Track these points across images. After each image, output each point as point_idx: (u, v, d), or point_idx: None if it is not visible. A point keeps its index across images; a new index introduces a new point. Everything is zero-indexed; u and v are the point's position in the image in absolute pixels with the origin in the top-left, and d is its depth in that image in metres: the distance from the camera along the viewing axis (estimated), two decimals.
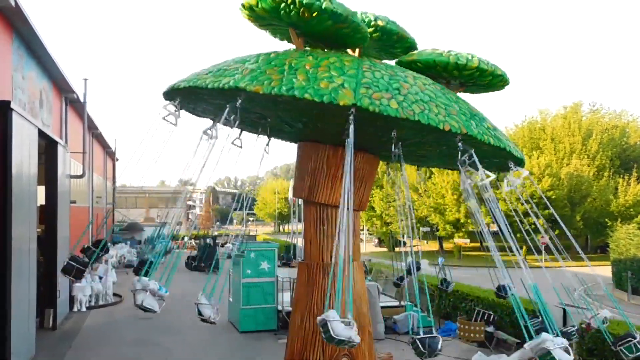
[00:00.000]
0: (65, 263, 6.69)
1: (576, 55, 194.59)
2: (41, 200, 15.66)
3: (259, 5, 6.60)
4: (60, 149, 16.33)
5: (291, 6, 6.41)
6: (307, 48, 7.25)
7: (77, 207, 21.29)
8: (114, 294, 20.94)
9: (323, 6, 6.36)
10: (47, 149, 15.95)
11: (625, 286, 25.94)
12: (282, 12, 6.53)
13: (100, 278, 20.51)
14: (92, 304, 19.67)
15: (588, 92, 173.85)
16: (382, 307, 16.26)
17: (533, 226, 8.09)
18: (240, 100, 6.22)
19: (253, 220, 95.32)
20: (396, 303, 17.48)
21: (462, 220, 42.89)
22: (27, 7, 11.64)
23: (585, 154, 46.56)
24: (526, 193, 7.96)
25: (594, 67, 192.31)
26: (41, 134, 13.99)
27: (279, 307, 16.19)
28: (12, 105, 11.14)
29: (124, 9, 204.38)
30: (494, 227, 7.58)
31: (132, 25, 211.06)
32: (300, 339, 7.61)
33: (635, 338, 7.17)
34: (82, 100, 20.11)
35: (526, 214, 9.51)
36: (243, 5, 6.79)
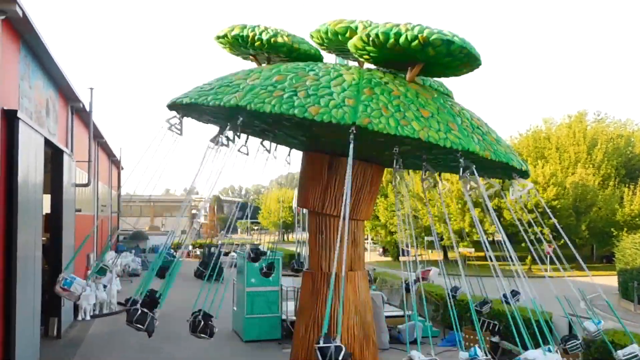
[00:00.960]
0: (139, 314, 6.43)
1: (581, 64, 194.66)
2: (46, 208, 15.71)
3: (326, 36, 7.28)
4: (66, 158, 16.42)
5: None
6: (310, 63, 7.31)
7: (82, 216, 21.35)
8: (118, 303, 20.94)
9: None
10: (53, 157, 16.04)
11: (632, 296, 25.75)
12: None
13: (105, 286, 20.52)
14: (97, 312, 19.66)
15: (593, 101, 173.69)
16: (387, 317, 16.20)
17: (537, 236, 8.07)
18: (241, 119, 6.32)
19: (258, 229, 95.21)
20: (401, 312, 17.41)
21: (466, 230, 42.74)
22: (34, 16, 11.76)
23: (591, 163, 46.37)
24: (531, 203, 7.95)
25: (598, 76, 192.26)
26: (47, 143, 14.08)
27: (283, 316, 16.15)
28: (19, 114, 11.22)
29: (130, 18, 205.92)
30: (498, 237, 7.57)
31: (138, 34, 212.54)
32: (305, 348, 7.59)
33: (639, 355, 7.14)
34: (88, 109, 20.23)
35: (531, 224, 9.51)
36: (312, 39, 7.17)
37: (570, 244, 7.24)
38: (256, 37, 7.30)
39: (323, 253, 7.64)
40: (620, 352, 7.20)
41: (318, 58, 7.92)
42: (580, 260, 7.35)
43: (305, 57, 7.68)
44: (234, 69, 7.68)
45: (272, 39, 7.31)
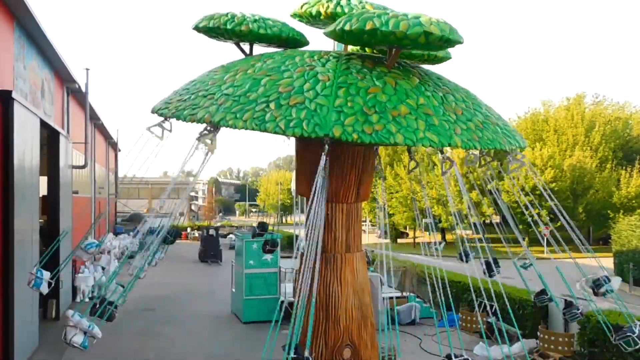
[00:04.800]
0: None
1: (579, 47, 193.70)
2: (43, 191, 15.67)
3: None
4: (62, 140, 16.32)
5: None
6: (286, 53, 7.04)
7: (80, 198, 21.31)
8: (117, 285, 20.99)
9: (257, 31, 6.87)
10: (49, 139, 15.94)
11: (627, 278, 25.95)
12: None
13: (103, 269, 20.56)
14: (95, 294, 19.73)
15: (591, 84, 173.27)
16: (385, 298, 16.28)
17: (534, 218, 8.03)
18: (217, 133, 6.31)
19: (256, 212, 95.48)
20: (398, 294, 17.51)
21: (464, 212, 42.92)
22: None
23: (588, 145, 46.40)
24: (526, 187, 7.92)
25: (597, 58, 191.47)
26: (43, 124, 13.97)
27: (282, 298, 16.23)
28: (14, 95, 11.11)
29: None
30: (496, 219, 7.55)
31: (134, 14, 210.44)
32: (303, 329, 7.60)
33: (634, 333, 7.17)
34: (84, 90, 20.08)
35: (528, 207, 9.47)
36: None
37: (570, 227, 7.20)
38: (221, 27, 7.00)
39: (328, 235, 7.60)
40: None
41: (300, 41, 7.66)
42: (584, 241, 7.31)
43: (286, 42, 7.46)
44: (231, 48, 7.56)
45: (237, 28, 6.99)
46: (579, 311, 8.18)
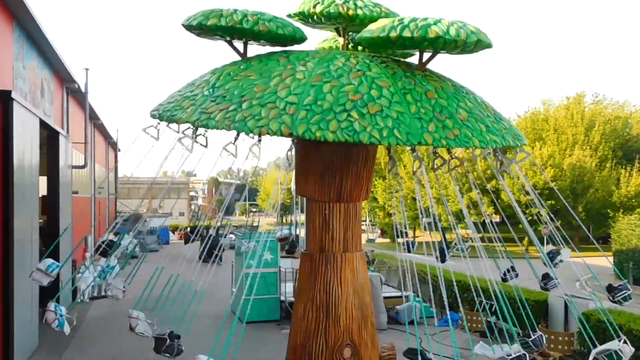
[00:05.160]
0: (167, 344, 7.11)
1: (579, 46, 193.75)
2: (43, 190, 15.66)
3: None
4: (62, 140, 16.31)
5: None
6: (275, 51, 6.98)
7: (79, 198, 21.31)
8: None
9: (276, 31, 6.47)
10: (49, 139, 15.94)
11: (627, 277, 25.99)
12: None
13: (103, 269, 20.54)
14: (95, 294, 19.70)
15: (591, 83, 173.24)
16: (385, 298, 16.30)
17: (530, 217, 8.06)
18: (205, 135, 6.34)
19: (256, 211, 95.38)
20: (399, 293, 17.52)
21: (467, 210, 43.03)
22: None
23: (588, 145, 46.42)
24: (528, 184, 7.90)
25: (597, 57, 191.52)
26: (43, 124, 13.96)
27: (282, 298, 16.22)
28: (13, 95, 11.10)
29: None
30: (496, 218, 7.55)
31: (134, 14, 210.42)
32: (303, 329, 7.60)
33: (629, 290, 7.45)
34: (83, 90, 20.08)
35: (528, 206, 9.53)
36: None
37: (579, 221, 7.31)
38: (236, 26, 6.48)
39: (322, 235, 7.60)
40: (594, 350, 7.33)
41: (303, 40, 7.47)
42: (592, 238, 7.41)
43: (291, 41, 7.26)
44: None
45: (256, 28, 6.57)
46: (630, 291, 8.27)
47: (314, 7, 7.10)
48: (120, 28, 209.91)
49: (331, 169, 7.24)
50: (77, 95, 20.43)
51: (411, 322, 16.54)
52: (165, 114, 6.46)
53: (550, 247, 7.80)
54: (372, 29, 6.35)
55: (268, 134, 5.75)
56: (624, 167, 45.76)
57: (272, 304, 16.05)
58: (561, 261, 7.96)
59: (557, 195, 38.92)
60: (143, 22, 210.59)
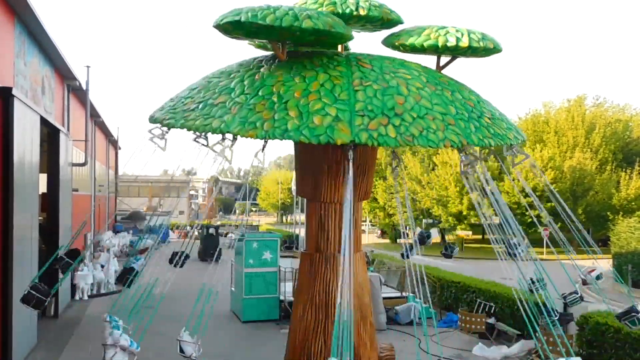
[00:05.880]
0: (26, 292, 6.56)
1: (580, 49, 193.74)
2: (43, 188, 15.65)
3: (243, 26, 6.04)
4: (62, 137, 16.30)
5: (272, 30, 5.95)
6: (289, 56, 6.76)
7: (80, 195, 21.30)
8: (116, 283, 20.99)
9: (303, 26, 5.86)
10: (50, 136, 15.92)
11: (626, 280, 25.96)
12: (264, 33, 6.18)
13: (102, 266, 20.55)
14: (94, 292, 19.70)
15: (592, 86, 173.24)
16: (384, 298, 16.28)
17: (529, 220, 8.08)
18: (233, 144, 6.24)
19: (256, 211, 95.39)
20: (398, 294, 17.51)
21: (464, 213, 42.89)
22: None
23: (588, 147, 46.39)
24: (528, 188, 7.91)
25: (598, 60, 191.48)
26: (43, 122, 13.95)
27: (281, 297, 16.21)
28: (14, 92, 11.09)
29: None
30: (496, 220, 7.52)
31: (135, 11, 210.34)
32: (303, 328, 7.60)
33: (638, 312, 7.45)
34: (84, 87, 20.08)
35: (529, 207, 9.58)
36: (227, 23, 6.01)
37: (578, 225, 7.30)
38: (284, 26, 5.81)
39: (322, 235, 7.59)
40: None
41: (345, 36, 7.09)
42: (590, 240, 7.43)
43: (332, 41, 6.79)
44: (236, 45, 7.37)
45: (299, 24, 5.91)
46: (579, 295, 8.48)
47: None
48: (121, 25, 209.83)
49: (328, 170, 7.26)
50: (78, 93, 20.43)
51: (410, 323, 16.59)
52: (202, 124, 6.13)
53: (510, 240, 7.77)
54: (417, 36, 6.97)
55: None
56: (624, 170, 45.75)
57: (271, 303, 16.04)
58: (429, 238, 8.77)
59: (557, 197, 38.97)
60: (144, 19, 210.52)
